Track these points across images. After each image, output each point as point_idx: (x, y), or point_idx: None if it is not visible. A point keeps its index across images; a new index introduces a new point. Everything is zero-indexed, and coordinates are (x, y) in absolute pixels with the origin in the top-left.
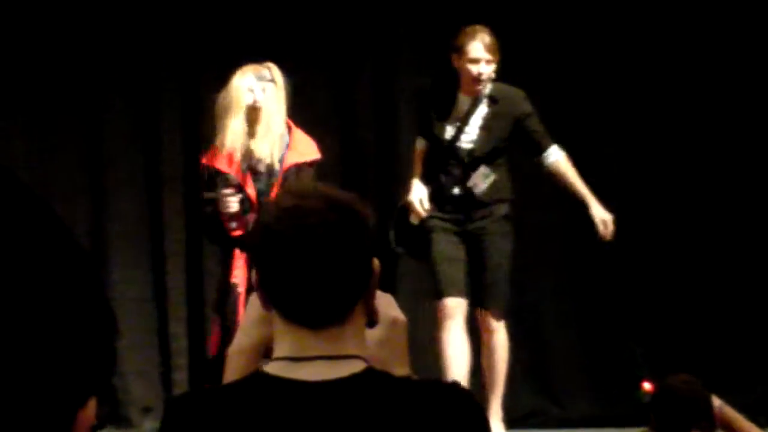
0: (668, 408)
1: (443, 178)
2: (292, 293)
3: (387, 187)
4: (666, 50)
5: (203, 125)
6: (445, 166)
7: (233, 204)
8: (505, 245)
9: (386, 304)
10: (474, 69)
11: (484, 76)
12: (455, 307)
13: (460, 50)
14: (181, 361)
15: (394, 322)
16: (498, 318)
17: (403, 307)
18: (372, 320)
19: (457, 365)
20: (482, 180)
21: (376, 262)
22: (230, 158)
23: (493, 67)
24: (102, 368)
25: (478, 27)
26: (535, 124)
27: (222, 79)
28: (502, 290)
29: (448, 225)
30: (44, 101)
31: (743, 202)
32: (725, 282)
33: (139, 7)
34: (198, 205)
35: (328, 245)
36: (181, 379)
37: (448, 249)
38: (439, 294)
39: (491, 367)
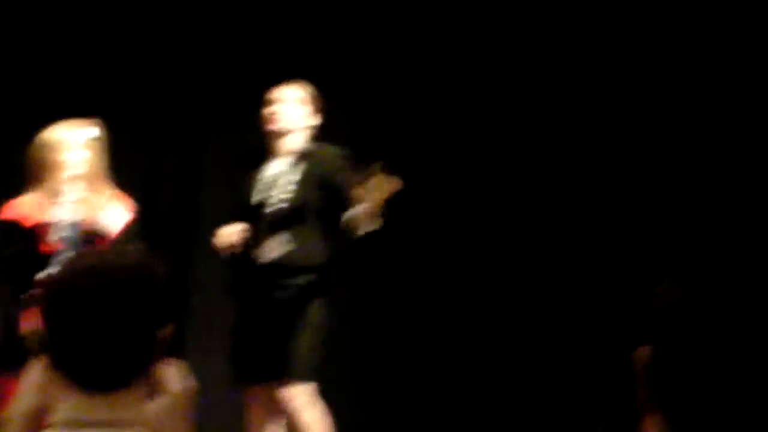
0: None
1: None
2: (77, 354)
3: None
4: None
5: None
6: (255, 233)
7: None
8: (312, 316)
9: (174, 372)
10: (266, 111)
11: (275, 116)
12: (252, 396)
13: (263, 102)
14: None
15: (179, 391)
16: (302, 393)
17: (193, 365)
18: (157, 388)
19: None
20: (277, 247)
21: (167, 329)
22: (36, 212)
23: (293, 110)
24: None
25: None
26: (343, 180)
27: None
28: (308, 362)
29: (253, 296)
30: None
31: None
32: (551, 325)
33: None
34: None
35: (116, 307)
36: None
37: (247, 327)
38: (235, 379)
39: None
